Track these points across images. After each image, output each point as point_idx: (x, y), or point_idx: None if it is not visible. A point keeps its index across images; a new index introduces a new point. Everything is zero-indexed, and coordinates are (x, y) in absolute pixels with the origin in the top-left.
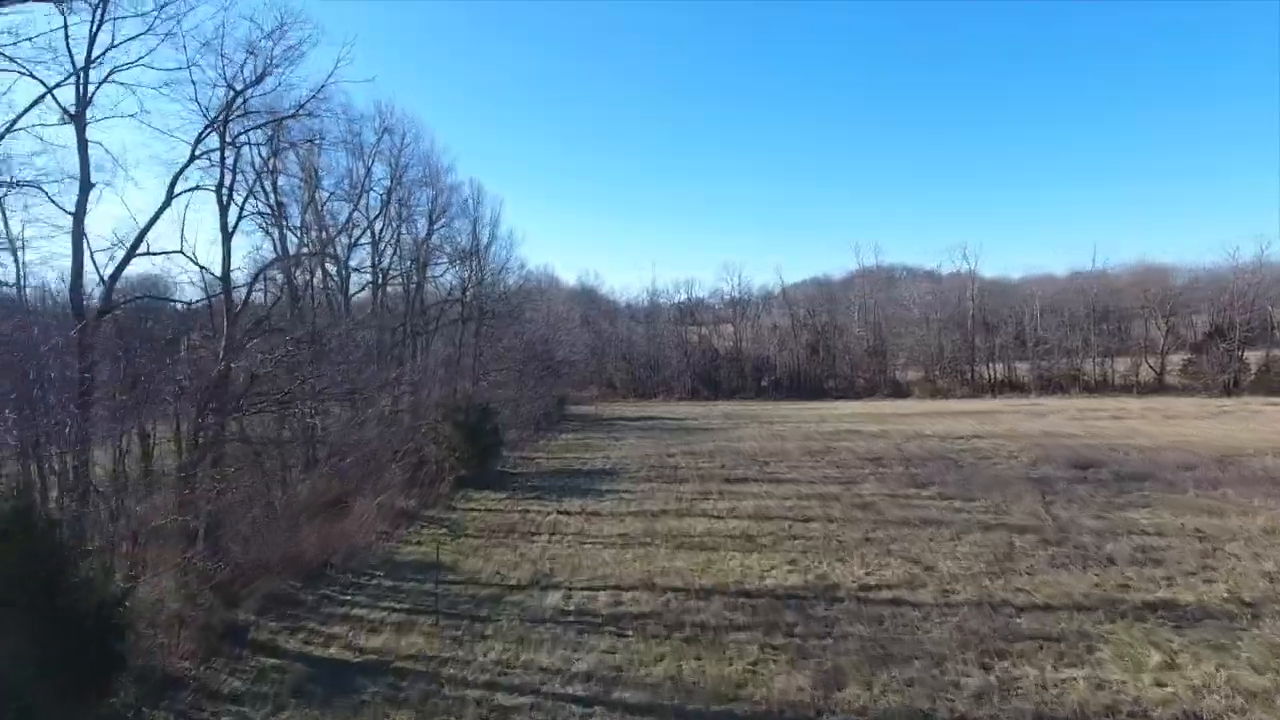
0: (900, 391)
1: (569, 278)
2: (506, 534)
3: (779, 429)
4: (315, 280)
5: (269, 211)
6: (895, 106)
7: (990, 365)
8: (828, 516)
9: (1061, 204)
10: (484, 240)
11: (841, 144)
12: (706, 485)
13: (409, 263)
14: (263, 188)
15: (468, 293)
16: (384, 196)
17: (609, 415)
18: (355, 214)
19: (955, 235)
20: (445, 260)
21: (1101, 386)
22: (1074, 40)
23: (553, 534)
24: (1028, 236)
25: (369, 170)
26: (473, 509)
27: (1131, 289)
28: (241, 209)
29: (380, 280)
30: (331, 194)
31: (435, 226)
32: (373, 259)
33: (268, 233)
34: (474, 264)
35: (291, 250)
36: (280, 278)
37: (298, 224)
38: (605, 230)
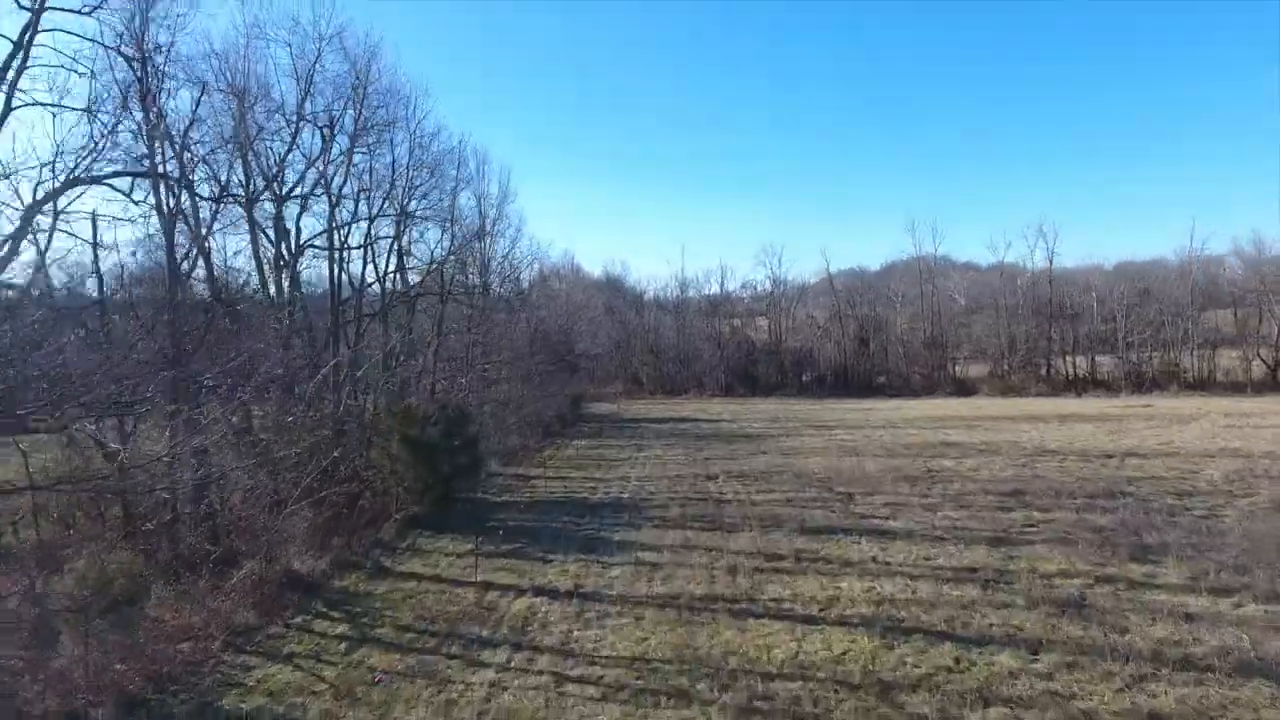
0: (964, 389)
1: (594, 269)
2: (441, 642)
3: (844, 438)
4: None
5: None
6: (933, 88)
7: (1068, 359)
8: (1015, 630)
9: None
10: (489, 215)
11: (880, 126)
12: (772, 539)
13: (380, 235)
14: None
15: (446, 267)
16: (331, 134)
17: (633, 416)
18: (307, 169)
19: (988, 227)
20: (426, 226)
21: (1206, 384)
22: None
23: (519, 645)
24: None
25: (307, 91)
26: (411, 577)
27: (1228, 276)
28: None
29: (339, 252)
30: (260, 131)
31: (413, 184)
32: (329, 223)
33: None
34: (482, 243)
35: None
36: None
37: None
38: (630, 212)
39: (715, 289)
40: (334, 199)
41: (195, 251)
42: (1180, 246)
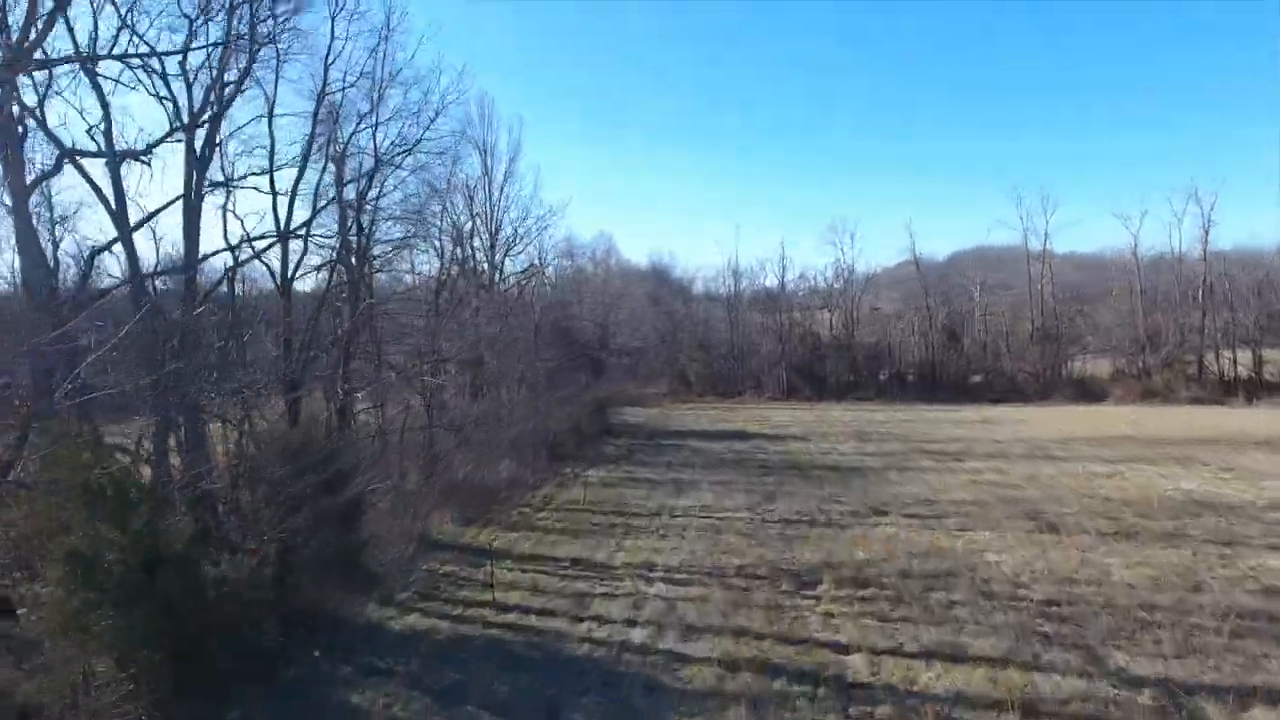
0: (1088, 392)
1: (639, 259)
2: None
3: (994, 479)
4: None
5: None
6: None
7: (1221, 356)
8: None
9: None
10: (496, 177)
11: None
12: None
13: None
14: None
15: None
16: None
17: (676, 427)
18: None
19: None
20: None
21: None
22: None
23: None
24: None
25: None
26: None
27: None
28: None
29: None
30: None
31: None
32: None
33: None
34: (489, 204)
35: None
36: None
37: None
38: (677, 197)
39: (773, 280)
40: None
41: None
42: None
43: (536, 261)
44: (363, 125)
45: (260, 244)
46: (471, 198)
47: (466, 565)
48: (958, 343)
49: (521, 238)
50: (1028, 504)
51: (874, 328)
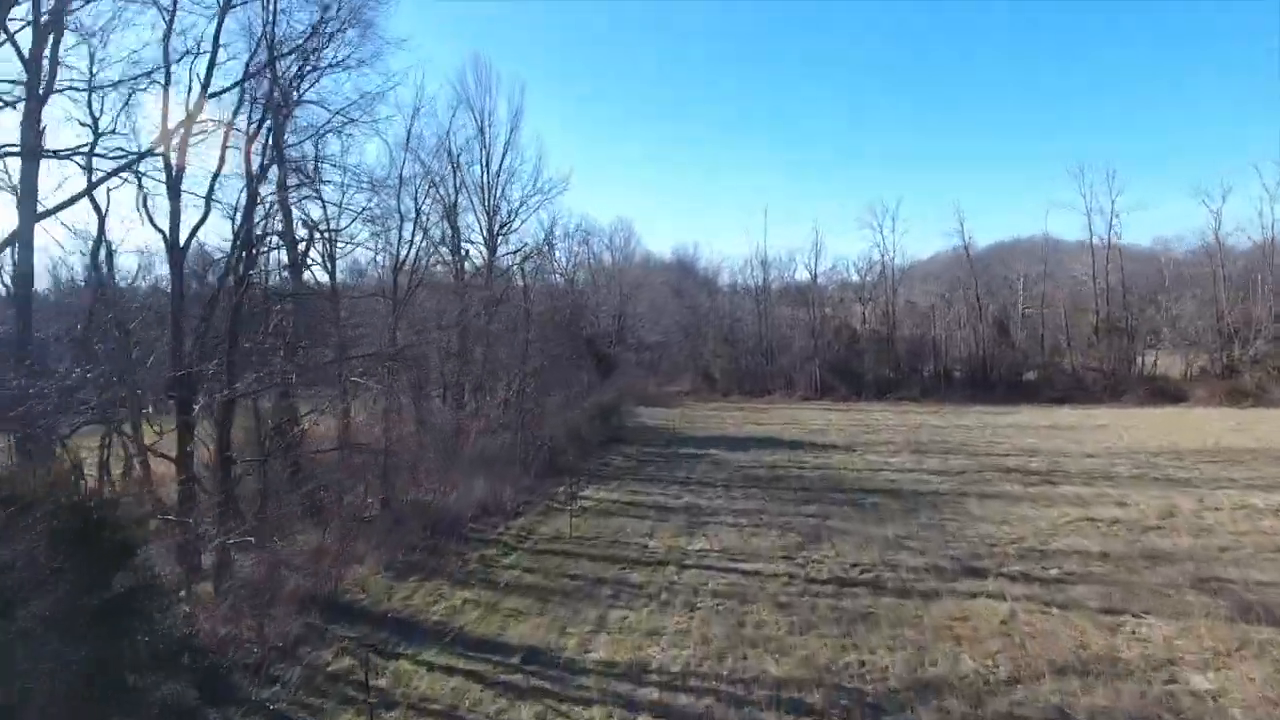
0: (1165, 392)
1: (663, 250)
2: None
3: (1140, 513)
4: None
5: None
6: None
7: None
8: None
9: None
10: (494, 151)
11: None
12: None
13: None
14: None
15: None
16: None
17: (697, 433)
18: None
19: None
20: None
21: None
22: None
23: None
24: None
25: None
26: None
27: None
28: None
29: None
30: None
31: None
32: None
33: None
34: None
35: None
36: None
37: None
38: (702, 188)
39: (804, 272)
40: None
41: None
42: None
43: (539, 242)
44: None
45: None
46: (455, 165)
47: (374, 653)
48: (1009, 337)
49: (519, 213)
50: (1191, 562)
51: (910, 321)
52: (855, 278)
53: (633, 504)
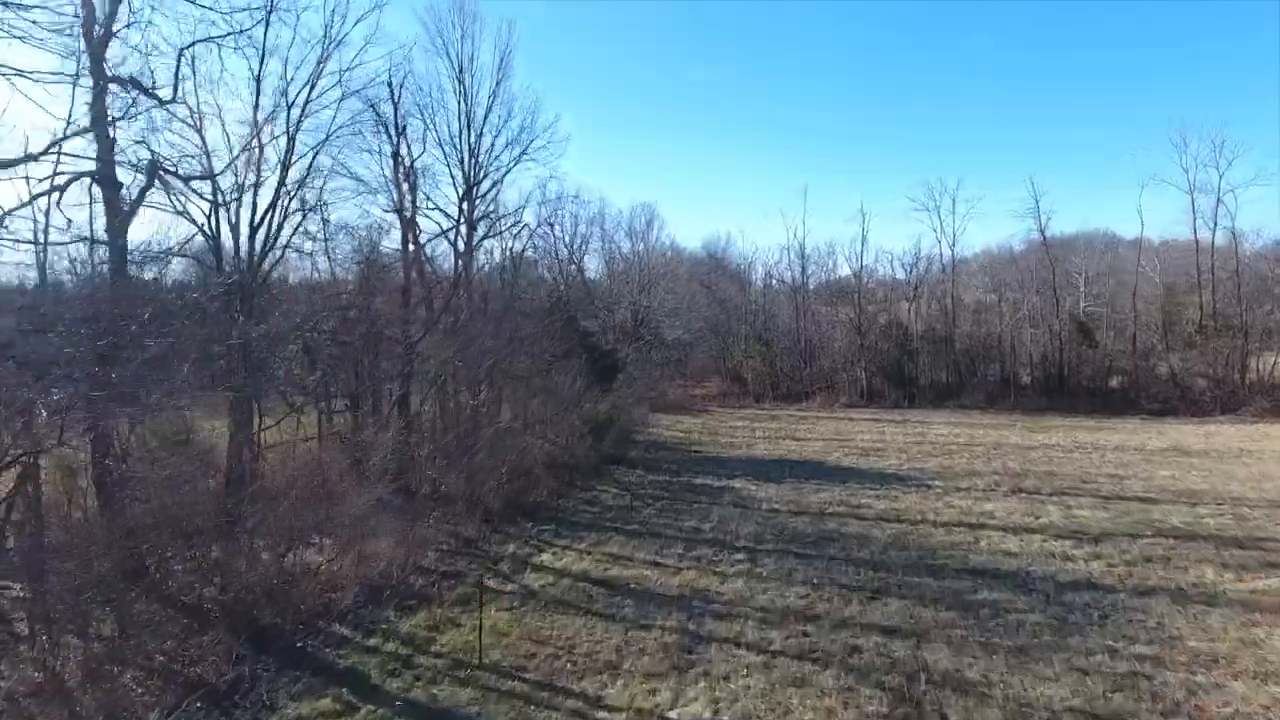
0: None
1: (693, 244)
2: None
3: None
4: None
5: None
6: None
7: None
8: None
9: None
10: (476, 107)
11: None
12: None
13: None
14: None
15: None
16: None
17: (720, 454)
18: None
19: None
20: None
21: None
22: None
23: None
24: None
25: None
26: None
27: None
28: None
29: None
30: None
31: None
32: None
33: None
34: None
35: None
36: None
37: None
38: (732, 173)
39: (847, 267)
40: None
41: None
42: None
43: (532, 218)
44: None
45: None
46: (430, 123)
47: None
48: (1091, 337)
49: (503, 179)
50: None
51: (966, 320)
52: (900, 274)
53: (604, 584)
